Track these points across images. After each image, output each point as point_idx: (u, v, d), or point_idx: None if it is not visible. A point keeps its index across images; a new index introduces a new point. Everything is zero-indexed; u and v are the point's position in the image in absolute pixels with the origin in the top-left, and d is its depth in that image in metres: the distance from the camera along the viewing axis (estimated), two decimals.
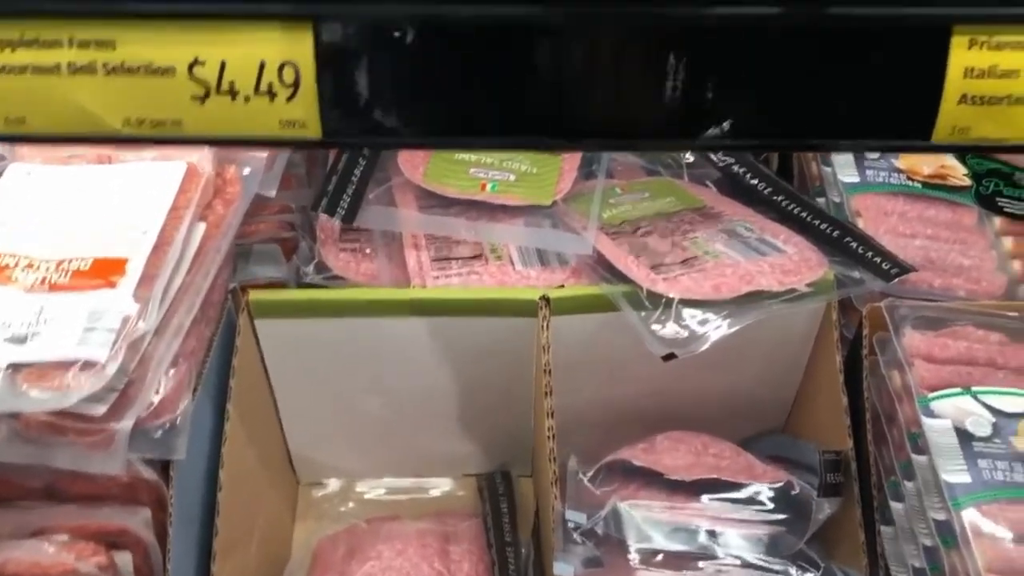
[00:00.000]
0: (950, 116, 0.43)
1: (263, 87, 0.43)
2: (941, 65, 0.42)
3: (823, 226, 0.88)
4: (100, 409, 0.62)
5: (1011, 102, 0.42)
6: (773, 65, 0.42)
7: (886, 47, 0.42)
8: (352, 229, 0.91)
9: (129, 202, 0.72)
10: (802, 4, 0.41)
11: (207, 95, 0.43)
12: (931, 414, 0.69)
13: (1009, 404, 0.69)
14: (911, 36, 0.42)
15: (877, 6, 0.41)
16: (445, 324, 0.85)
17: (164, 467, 0.71)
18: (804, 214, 0.90)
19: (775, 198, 0.93)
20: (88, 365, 0.62)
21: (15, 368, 0.62)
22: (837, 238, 0.86)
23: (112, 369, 0.62)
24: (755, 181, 0.94)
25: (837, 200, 0.95)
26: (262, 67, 0.43)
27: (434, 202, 0.92)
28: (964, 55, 0.42)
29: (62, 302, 0.65)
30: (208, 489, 0.77)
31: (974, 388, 0.71)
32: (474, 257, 0.88)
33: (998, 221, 0.94)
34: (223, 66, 0.43)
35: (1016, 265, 0.90)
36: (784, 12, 0.41)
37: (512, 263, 0.88)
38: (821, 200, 0.96)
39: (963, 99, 0.42)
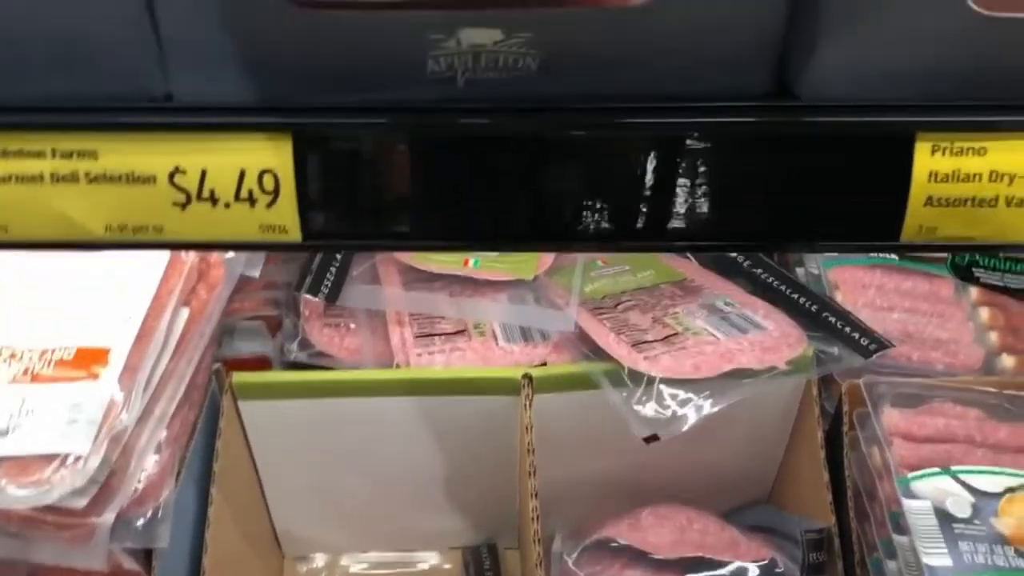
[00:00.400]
0: (917, 217, 0.44)
1: (243, 194, 0.44)
2: (907, 170, 0.43)
3: (802, 300, 0.89)
4: (81, 502, 0.62)
5: (974, 203, 0.44)
6: (751, 170, 0.43)
7: (856, 153, 0.43)
8: (336, 305, 0.91)
9: (112, 289, 0.73)
10: (777, 112, 0.42)
11: (188, 202, 0.44)
12: (911, 495, 0.70)
13: (988, 483, 0.70)
14: (879, 143, 0.43)
15: (846, 115, 0.42)
16: (429, 403, 0.85)
17: (146, 554, 0.71)
18: (783, 287, 0.91)
19: (755, 271, 0.94)
20: (70, 459, 0.62)
21: None
22: (816, 312, 0.87)
23: (95, 463, 0.62)
24: (735, 253, 0.96)
25: (815, 271, 0.96)
26: (242, 175, 0.44)
27: (418, 277, 0.93)
28: (928, 160, 0.43)
29: (44, 393, 0.66)
30: (191, 574, 0.76)
31: (953, 467, 0.71)
32: (457, 332, 0.89)
33: (974, 292, 0.95)
34: (203, 174, 0.44)
35: (993, 336, 0.91)
36: (761, 121, 0.43)
37: (495, 338, 0.88)
38: (800, 271, 0.97)
39: (929, 201, 0.43)
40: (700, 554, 0.79)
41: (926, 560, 0.65)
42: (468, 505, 0.96)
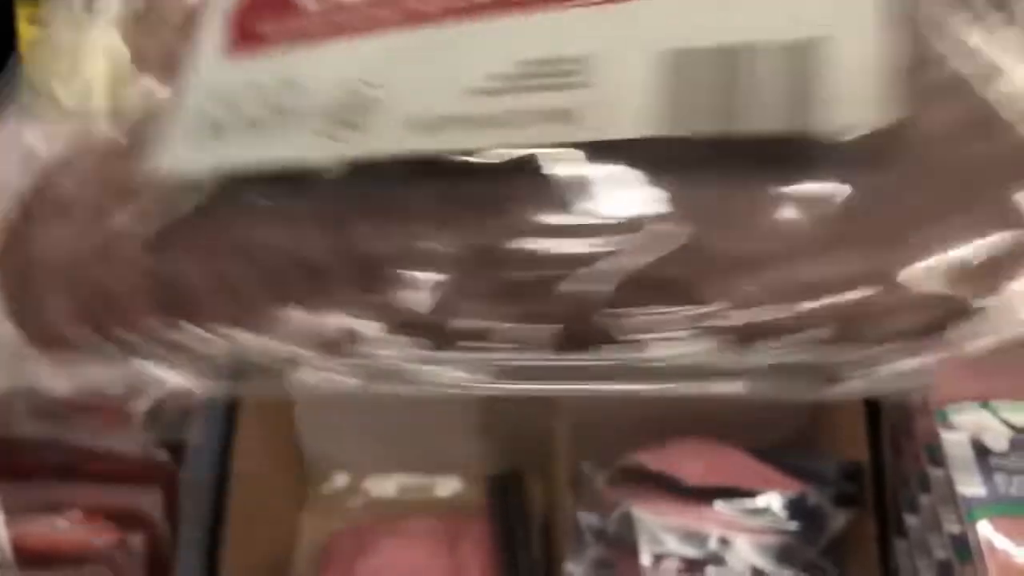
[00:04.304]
0: None
1: None
2: None
3: None
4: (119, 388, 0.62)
5: None
6: None
7: None
8: None
9: None
10: None
11: None
12: (948, 427, 0.69)
13: None
14: None
15: None
16: None
17: (177, 450, 0.72)
18: None
19: None
20: None
21: None
22: None
23: None
24: None
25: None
26: None
27: None
28: None
29: None
30: (219, 474, 0.77)
31: (992, 403, 0.70)
32: None
33: None
34: None
35: None
36: None
37: None
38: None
39: None
40: (730, 483, 0.78)
41: (960, 489, 0.64)
42: (494, 430, 0.96)
